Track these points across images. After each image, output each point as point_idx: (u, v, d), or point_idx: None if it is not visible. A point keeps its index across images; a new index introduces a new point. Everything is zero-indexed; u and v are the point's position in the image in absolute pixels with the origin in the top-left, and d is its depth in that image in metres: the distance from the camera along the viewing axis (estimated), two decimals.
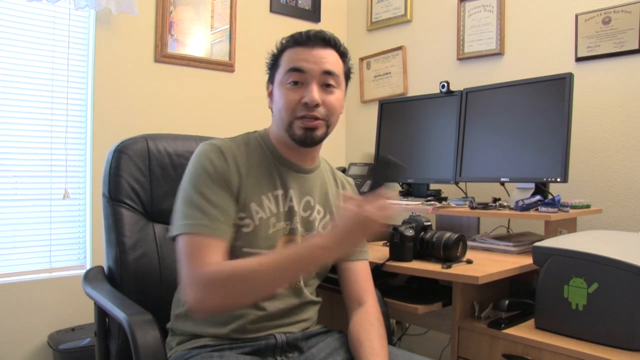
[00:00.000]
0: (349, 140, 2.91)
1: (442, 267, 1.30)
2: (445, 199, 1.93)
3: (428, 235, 1.40)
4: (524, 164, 1.72)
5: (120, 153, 1.31)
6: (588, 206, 1.65)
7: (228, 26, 2.43)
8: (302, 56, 1.07)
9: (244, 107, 2.44)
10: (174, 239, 1.00)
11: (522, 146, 1.73)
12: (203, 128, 2.19)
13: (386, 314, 1.29)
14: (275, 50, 1.13)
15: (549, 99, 1.67)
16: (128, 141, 1.34)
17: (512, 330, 1.24)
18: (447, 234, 1.36)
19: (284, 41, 1.11)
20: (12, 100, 1.94)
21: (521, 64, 2.11)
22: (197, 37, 2.33)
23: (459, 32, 2.32)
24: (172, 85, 2.28)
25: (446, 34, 2.39)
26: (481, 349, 1.29)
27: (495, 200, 1.75)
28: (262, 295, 1.02)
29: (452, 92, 1.98)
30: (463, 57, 2.31)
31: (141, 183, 1.32)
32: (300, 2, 2.71)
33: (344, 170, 1.86)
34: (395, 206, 0.88)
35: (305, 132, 1.06)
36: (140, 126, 2.11)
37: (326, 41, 1.09)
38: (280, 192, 1.11)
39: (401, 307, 1.35)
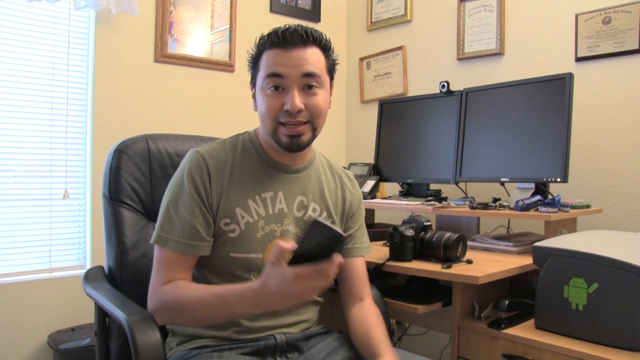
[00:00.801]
0: (349, 140, 2.91)
1: (442, 267, 1.30)
2: (445, 199, 1.93)
3: (428, 235, 1.40)
4: (524, 164, 1.72)
5: (121, 153, 1.31)
6: (588, 206, 1.65)
7: (228, 26, 2.43)
8: (280, 60, 1.02)
9: (244, 107, 2.44)
10: None
11: (522, 146, 1.73)
12: (203, 128, 2.19)
13: (386, 314, 1.29)
14: (253, 51, 1.09)
15: (549, 99, 1.67)
16: (128, 141, 1.34)
17: (512, 330, 1.24)
18: (447, 234, 1.36)
19: (261, 41, 1.07)
20: (12, 100, 1.94)
21: (521, 64, 2.11)
22: (197, 37, 2.33)
23: (459, 32, 2.32)
24: (172, 85, 2.28)
25: (446, 34, 2.39)
26: (481, 349, 1.29)
27: (495, 200, 1.75)
28: (205, 324, 1.05)
29: (452, 92, 1.98)
30: (463, 57, 2.31)
31: (141, 183, 1.32)
32: (300, 2, 2.71)
33: None
34: (323, 283, 0.84)
35: (290, 139, 1.05)
36: (140, 126, 2.11)
37: (304, 39, 1.03)
38: (269, 194, 1.10)
39: (401, 307, 1.35)
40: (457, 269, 1.28)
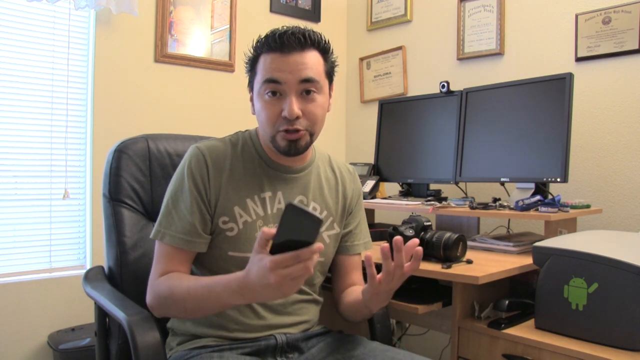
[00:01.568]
0: (349, 140, 2.91)
1: (442, 267, 1.30)
2: (445, 199, 1.93)
3: (428, 235, 1.40)
4: (524, 164, 1.72)
5: (121, 153, 1.31)
6: (588, 206, 1.65)
7: (228, 26, 2.43)
8: (277, 65, 1.00)
9: (244, 107, 2.41)
10: None
11: (522, 146, 1.73)
12: (203, 128, 2.19)
13: (386, 314, 1.29)
14: (250, 53, 1.07)
15: (549, 99, 1.67)
16: (128, 141, 1.34)
17: (512, 330, 1.24)
18: (447, 234, 1.36)
19: (258, 44, 1.05)
20: (12, 100, 1.94)
21: (521, 64, 2.11)
22: (197, 37, 2.33)
23: (459, 32, 2.32)
24: (172, 85, 2.28)
25: (446, 34, 2.39)
26: (481, 349, 1.29)
27: (495, 200, 1.75)
28: (196, 316, 1.05)
29: (452, 92, 1.98)
30: (463, 57, 2.31)
31: (141, 183, 1.32)
32: (300, 2, 2.71)
33: None
34: (302, 273, 0.78)
35: (288, 144, 1.04)
36: (140, 126, 2.11)
37: (301, 42, 1.01)
38: (267, 194, 1.10)
39: (401, 307, 1.35)
40: (457, 269, 1.28)
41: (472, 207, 1.68)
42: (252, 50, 1.07)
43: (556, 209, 1.52)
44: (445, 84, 1.99)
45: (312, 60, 1.03)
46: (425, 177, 2.05)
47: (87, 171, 2.10)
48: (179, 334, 1.10)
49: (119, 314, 1.02)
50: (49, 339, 1.91)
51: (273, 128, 1.04)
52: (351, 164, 2.32)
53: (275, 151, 1.10)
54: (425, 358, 1.08)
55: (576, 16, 1.91)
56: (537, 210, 1.56)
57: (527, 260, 1.35)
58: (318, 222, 0.75)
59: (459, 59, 2.33)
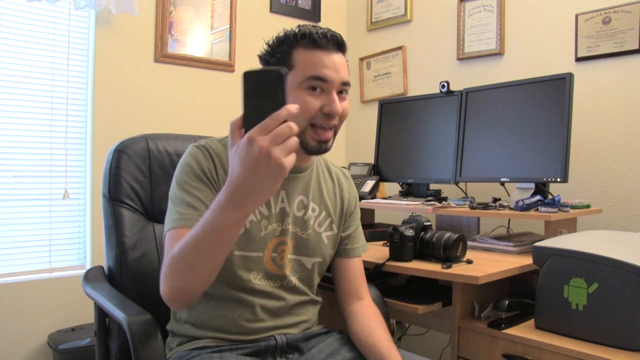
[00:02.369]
0: (349, 140, 2.91)
1: (442, 267, 1.30)
2: (445, 199, 1.93)
3: (428, 235, 1.40)
4: (524, 164, 1.72)
5: (121, 153, 1.31)
6: (588, 206, 1.65)
7: (228, 26, 2.43)
8: (324, 62, 1.03)
9: None
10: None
11: (522, 146, 1.73)
12: (203, 128, 2.18)
13: (386, 314, 1.29)
14: (278, 43, 1.05)
15: (549, 99, 1.67)
16: (128, 141, 1.34)
17: (512, 330, 1.24)
18: (447, 234, 1.36)
19: (293, 36, 1.04)
20: (12, 100, 1.94)
21: (521, 64, 2.11)
22: (197, 37, 2.33)
23: (459, 32, 2.32)
24: (172, 85, 2.28)
25: (446, 34, 2.39)
26: (481, 349, 1.29)
27: (495, 200, 1.75)
28: (202, 272, 0.86)
29: (452, 92, 1.98)
30: (463, 57, 2.31)
31: (141, 183, 1.32)
32: (300, 2, 2.71)
33: None
34: (284, 131, 0.68)
35: (319, 144, 1.05)
36: (140, 126, 2.11)
37: (340, 45, 1.07)
38: None
39: (401, 307, 1.35)
40: (457, 269, 1.28)
41: (472, 207, 1.68)
42: (279, 41, 1.05)
43: (556, 209, 1.52)
44: (445, 84, 1.99)
45: (345, 64, 1.09)
46: (425, 177, 2.05)
47: (87, 171, 2.10)
48: (179, 335, 1.10)
49: (118, 314, 1.02)
50: (49, 339, 1.91)
51: (307, 120, 1.03)
52: (351, 164, 2.34)
53: None
54: (425, 358, 1.08)
55: (576, 16, 1.91)
56: (537, 210, 1.56)
57: (527, 260, 1.35)
58: (280, 75, 0.67)
59: (459, 59, 2.33)
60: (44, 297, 1.98)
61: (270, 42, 1.08)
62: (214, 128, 2.26)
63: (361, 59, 2.79)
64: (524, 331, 1.23)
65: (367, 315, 1.15)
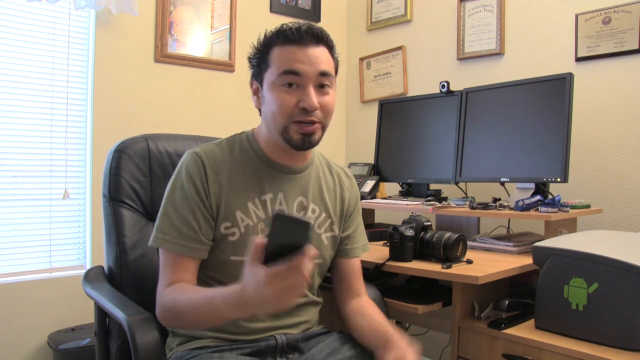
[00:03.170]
0: (349, 140, 2.91)
1: (442, 267, 1.30)
2: (445, 199, 1.93)
3: (428, 235, 1.40)
4: (524, 164, 1.72)
5: (121, 153, 1.31)
6: (588, 206, 1.65)
7: (228, 26, 2.43)
8: (296, 56, 1.01)
9: (244, 107, 2.44)
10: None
11: (522, 146, 1.73)
12: (203, 128, 2.19)
13: (386, 314, 1.29)
14: (258, 45, 1.07)
15: (549, 99, 1.67)
16: (128, 141, 1.34)
17: (512, 330, 1.24)
18: (447, 234, 1.36)
19: (270, 36, 1.05)
20: (12, 100, 1.94)
21: (521, 64, 2.11)
22: (197, 37, 2.33)
23: (459, 32, 2.32)
24: (172, 85, 2.28)
25: (446, 34, 2.39)
26: (481, 349, 1.29)
27: (495, 200, 1.75)
28: (200, 328, 1.04)
29: (452, 92, 1.98)
30: (463, 57, 2.31)
31: (141, 183, 1.32)
32: (300, 2, 2.71)
33: None
34: (298, 283, 0.74)
35: (303, 137, 1.03)
36: (140, 126, 2.11)
37: (318, 37, 1.03)
38: (268, 196, 1.09)
39: (401, 307, 1.35)
40: (457, 269, 1.28)
41: (472, 207, 1.68)
42: (260, 43, 1.07)
43: (556, 209, 1.52)
44: (445, 84, 1.99)
45: (325, 55, 1.05)
46: (425, 177, 2.05)
47: (87, 171, 2.10)
48: (179, 335, 1.10)
49: (118, 314, 1.02)
50: (49, 339, 1.91)
51: (287, 118, 1.02)
52: (351, 164, 2.34)
53: (278, 149, 1.09)
54: (425, 358, 1.08)
55: (576, 16, 1.91)
56: (537, 210, 1.56)
57: (527, 260, 1.35)
58: (307, 225, 0.72)
59: (459, 59, 2.33)
60: (44, 297, 1.97)
61: (254, 44, 1.09)
62: (214, 128, 2.26)
63: (361, 59, 2.79)
64: (524, 331, 1.23)
65: (368, 308, 1.17)
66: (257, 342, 1.06)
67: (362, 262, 1.28)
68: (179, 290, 0.99)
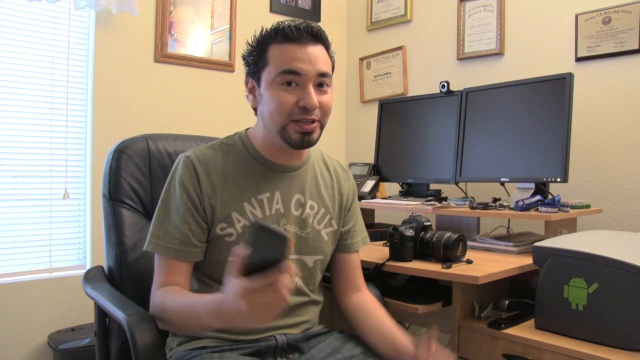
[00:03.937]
0: (349, 140, 2.91)
1: (442, 267, 1.30)
2: (445, 199, 1.93)
3: (428, 235, 1.40)
4: (524, 164, 1.72)
5: (121, 153, 1.31)
6: (588, 206, 1.65)
7: (228, 26, 2.43)
8: (296, 55, 1.00)
9: (244, 107, 2.41)
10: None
11: (522, 146, 1.73)
12: (203, 128, 2.19)
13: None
14: (254, 42, 1.06)
15: (549, 99, 1.67)
16: (128, 141, 1.34)
17: (512, 330, 1.24)
18: (447, 234, 1.36)
19: (268, 33, 1.04)
20: (12, 100, 1.94)
21: (521, 64, 2.11)
22: (197, 37, 2.33)
23: (459, 32, 2.32)
24: (172, 85, 2.28)
25: (446, 34, 2.39)
26: (481, 349, 1.29)
27: (495, 200, 1.75)
28: (186, 333, 1.04)
29: (452, 92, 1.98)
30: (463, 57, 2.31)
31: (141, 183, 1.32)
32: (300, 2, 2.71)
33: None
34: (275, 301, 0.73)
35: (302, 136, 1.03)
36: (140, 126, 2.11)
37: (317, 36, 1.03)
38: (265, 195, 1.09)
39: (401, 307, 1.35)
40: (457, 269, 1.28)
41: (472, 207, 1.68)
42: (256, 40, 1.06)
43: (556, 209, 1.52)
44: (445, 84, 1.99)
45: (323, 55, 1.05)
46: (425, 177, 2.05)
47: (87, 171, 2.10)
48: (179, 335, 1.10)
49: (118, 314, 1.02)
50: (49, 339, 1.91)
51: (286, 117, 1.02)
52: (351, 164, 2.34)
53: (275, 148, 1.09)
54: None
55: (576, 16, 1.91)
56: (537, 210, 1.56)
57: (527, 260, 1.35)
58: (284, 240, 0.69)
59: (459, 59, 2.33)
60: (44, 297, 1.97)
61: (249, 42, 1.08)
62: (214, 128, 2.26)
63: (361, 59, 2.78)
64: (524, 331, 1.23)
65: (370, 304, 1.17)
66: (257, 342, 1.06)
67: (362, 262, 1.28)
68: (169, 293, 0.99)
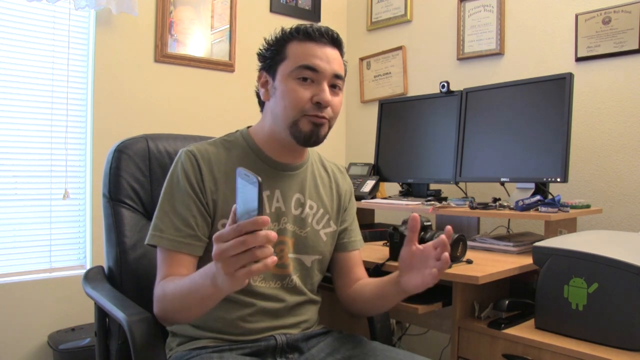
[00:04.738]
0: (349, 140, 2.91)
1: None
2: (445, 199, 1.93)
3: (428, 235, 1.40)
4: (524, 164, 1.72)
5: (121, 153, 1.31)
6: (588, 206, 1.65)
7: (228, 26, 2.43)
8: (315, 53, 1.04)
9: (244, 107, 2.44)
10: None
11: (522, 146, 1.73)
12: (203, 128, 2.19)
13: (386, 314, 1.29)
14: (274, 38, 1.09)
15: (549, 99, 1.67)
16: (128, 141, 1.34)
17: (512, 330, 1.24)
18: None
19: (289, 31, 1.07)
20: (12, 100, 1.94)
21: (521, 64, 2.11)
22: (197, 37, 2.33)
23: (459, 32, 2.32)
24: (172, 85, 2.28)
25: (446, 34, 2.39)
26: (481, 349, 1.29)
27: (495, 200, 1.75)
28: (186, 316, 0.98)
29: (452, 92, 1.98)
30: (463, 57, 2.31)
31: (141, 183, 1.32)
32: (300, 2, 2.71)
33: None
34: (243, 249, 0.70)
35: (313, 128, 1.04)
36: (140, 126, 2.11)
37: (335, 41, 1.08)
38: (266, 192, 1.10)
39: (401, 307, 1.35)
40: (457, 269, 1.28)
41: (472, 207, 1.68)
42: (276, 36, 1.09)
43: (556, 209, 1.52)
44: (445, 84, 1.99)
45: (339, 59, 1.09)
46: (425, 177, 2.05)
47: (87, 171, 2.10)
48: (179, 335, 1.10)
49: (118, 314, 1.02)
50: (49, 339, 1.91)
51: (299, 111, 1.03)
52: (351, 164, 2.34)
53: (278, 144, 1.10)
54: (425, 358, 1.08)
55: (576, 16, 1.91)
56: (537, 210, 1.56)
57: (527, 260, 1.35)
58: (255, 183, 0.66)
59: (459, 59, 2.33)
60: (44, 297, 1.98)
61: (268, 39, 1.11)
62: (214, 128, 2.26)
63: (361, 59, 2.79)
64: (524, 331, 1.23)
65: (364, 280, 1.19)
66: (257, 342, 1.06)
67: (362, 262, 1.28)
68: (169, 281, 0.99)
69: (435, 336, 2.16)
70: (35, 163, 2.00)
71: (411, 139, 2.11)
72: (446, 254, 0.92)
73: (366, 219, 2.18)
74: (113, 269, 1.26)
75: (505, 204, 1.69)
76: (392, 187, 2.28)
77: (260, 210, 0.67)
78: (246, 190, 0.68)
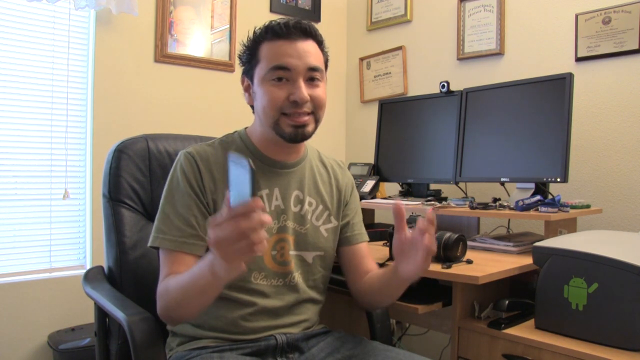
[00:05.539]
0: (349, 140, 2.91)
1: (442, 267, 1.30)
2: (445, 199, 1.93)
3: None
4: (524, 164, 1.72)
5: (121, 153, 1.31)
6: (588, 206, 1.65)
7: (228, 26, 2.43)
8: (285, 51, 1.03)
9: (244, 107, 2.41)
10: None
11: (522, 146, 1.73)
12: (203, 128, 2.19)
13: (386, 314, 1.29)
14: (247, 42, 1.09)
15: (549, 99, 1.67)
16: (128, 141, 1.34)
17: (512, 330, 1.24)
18: (447, 234, 1.36)
19: (259, 32, 1.07)
20: (12, 100, 1.94)
21: (521, 64, 2.11)
22: (197, 37, 2.33)
23: (459, 32, 2.32)
24: (172, 85, 2.28)
25: (446, 34, 2.39)
26: (481, 349, 1.29)
27: (495, 200, 1.75)
28: (188, 311, 0.97)
29: (452, 92, 1.98)
30: (463, 57, 2.31)
31: (141, 183, 1.32)
32: (300, 2, 2.71)
33: None
34: (236, 232, 0.70)
35: (295, 129, 1.05)
36: (140, 126, 2.11)
37: (307, 32, 1.06)
38: (264, 191, 1.10)
39: (401, 307, 1.35)
40: (457, 269, 1.28)
41: (472, 207, 1.68)
42: (249, 40, 1.09)
43: (556, 209, 1.52)
44: (445, 84, 1.99)
45: (314, 50, 1.07)
46: (425, 177, 2.05)
47: (87, 171, 2.10)
48: (179, 335, 1.10)
49: (118, 314, 1.02)
50: (49, 339, 1.91)
51: (277, 112, 1.04)
52: (351, 164, 2.34)
53: (273, 144, 1.10)
54: (425, 358, 1.08)
55: (576, 16, 1.91)
56: (537, 210, 1.56)
57: (527, 260, 1.35)
58: (246, 167, 0.67)
59: (459, 59, 2.33)
60: (44, 297, 1.97)
61: (244, 42, 1.11)
62: (214, 128, 2.26)
63: (361, 59, 2.78)
64: (524, 331, 1.23)
65: (373, 272, 1.18)
66: (257, 342, 1.06)
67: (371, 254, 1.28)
68: (172, 277, 0.99)
69: (435, 336, 2.16)
70: (35, 163, 2.00)
71: (411, 139, 2.11)
72: (428, 236, 0.93)
73: (366, 219, 2.15)
74: (113, 269, 1.26)
75: (505, 204, 1.69)
76: (392, 187, 2.28)
77: (253, 192, 0.68)
78: (238, 174, 0.69)
